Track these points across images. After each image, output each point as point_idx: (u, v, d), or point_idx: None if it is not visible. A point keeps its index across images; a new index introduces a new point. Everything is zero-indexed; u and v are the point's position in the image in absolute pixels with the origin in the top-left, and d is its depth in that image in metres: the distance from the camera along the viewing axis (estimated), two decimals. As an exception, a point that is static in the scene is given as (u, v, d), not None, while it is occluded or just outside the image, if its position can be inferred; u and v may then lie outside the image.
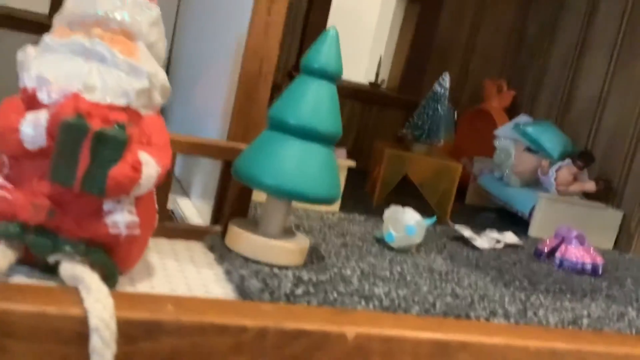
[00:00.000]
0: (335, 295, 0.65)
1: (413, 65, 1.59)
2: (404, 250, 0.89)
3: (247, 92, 0.77)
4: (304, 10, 1.48)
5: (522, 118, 1.31)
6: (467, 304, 0.72)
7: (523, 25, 1.65)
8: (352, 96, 1.57)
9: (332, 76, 0.74)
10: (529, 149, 1.26)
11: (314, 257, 0.77)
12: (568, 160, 1.21)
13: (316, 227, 0.91)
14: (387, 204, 0.94)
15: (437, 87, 1.17)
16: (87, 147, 0.51)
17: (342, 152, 1.05)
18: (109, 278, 0.56)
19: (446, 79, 1.16)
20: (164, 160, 0.56)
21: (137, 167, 0.53)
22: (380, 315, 0.63)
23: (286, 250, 0.71)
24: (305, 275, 0.69)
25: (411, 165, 1.17)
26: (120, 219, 0.55)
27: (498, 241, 1.06)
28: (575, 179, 1.23)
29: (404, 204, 1.18)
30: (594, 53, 1.42)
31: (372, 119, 1.60)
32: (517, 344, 0.65)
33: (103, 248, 0.55)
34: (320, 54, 0.74)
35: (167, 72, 1.33)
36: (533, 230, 1.19)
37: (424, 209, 1.18)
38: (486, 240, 1.05)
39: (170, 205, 0.92)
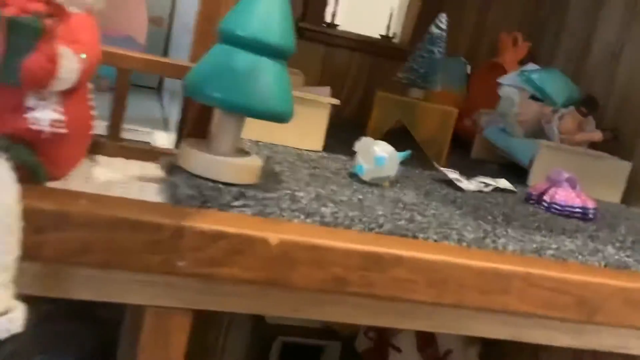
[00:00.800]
0: (276, 209, 0.64)
1: (425, 19, 1.53)
2: (376, 184, 0.87)
3: (206, 12, 0.76)
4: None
5: (529, 66, 1.26)
6: (420, 227, 0.70)
7: (543, -25, 1.58)
8: (362, 49, 1.54)
9: None
10: (533, 97, 1.21)
11: (271, 180, 0.76)
12: (571, 107, 1.15)
13: (288, 160, 0.90)
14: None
15: (433, 29, 1.13)
16: (1, 35, 0.51)
17: (326, 90, 1.03)
18: (33, 176, 0.56)
19: (443, 20, 1.12)
20: (90, 57, 0.56)
21: (53, 59, 0.53)
22: (310, 226, 0.62)
23: (234, 167, 0.70)
24: (250, 192, 0.68)
25: (405, 111, 1.14)
26: (43, 115, 0.55)
27: (487, 185, 1.02)
28: (581, 128, 1.17)
29: (398, 150, 1.16)
30: (612, 5, 1.35)
31: (383, 73, 1.56)
32: (460, 262, 0.62)
33: (25, 145, 0.56)
34: None
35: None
36: (532, 180, 1.14)
37: (420, 158, 1.15)
38: (474, 183, 1.01)
39: (146, 138, 0.93)
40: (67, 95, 0.57)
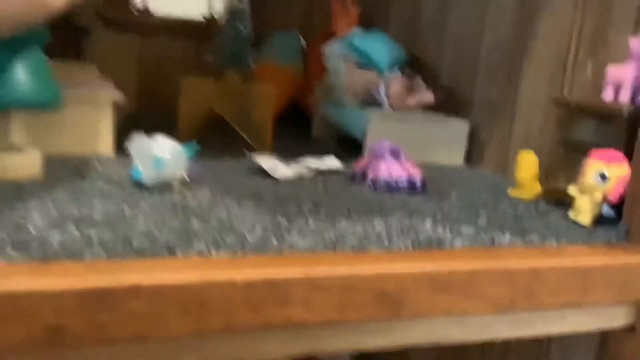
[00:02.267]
0: (-24, 248, 0.49)
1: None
2: (161, 188, 0.73)
3: None
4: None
5: (353, 31, 1.16)
6: (187, 238, 0.57)
7: None
8: (184, 34, 1.39)
9: None
10: (359, 65, 1.11)
11: (3, 205, 0.60)
12: (396, 71, 1.06)
13: (54, 172, 0.75)
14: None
15: (235, 4, 1.00)
16: None
17: (108, 85, 0.88)
18: None
19: (242, -8, 1.00)
20: None
21: None
22: (10, 267, 0.47)
23: (10, 162, 0.68)
24: (-44, 229, 0.53)
25: (215, 96, 1.01)
26: None
27: (308, 169, 0.91)
28: (412, 91, 1.08)
29: (218, 144, 1.03)
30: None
31: (200, 56, 1.42)
32: (220, 278, 0.50)
33: None
34: None
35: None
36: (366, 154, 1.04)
37: (247, 147, 1.03)
38: (295, 168, 0.90)
39: None
40: None
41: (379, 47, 1.08)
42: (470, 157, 1.11)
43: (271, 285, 0.51)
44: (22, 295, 0.44)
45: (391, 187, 0.84)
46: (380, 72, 1.07)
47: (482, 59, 1.11)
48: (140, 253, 0.53)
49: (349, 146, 1.17)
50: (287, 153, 1.05)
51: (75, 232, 0.55)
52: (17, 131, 0.73)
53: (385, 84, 1.05)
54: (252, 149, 1.02)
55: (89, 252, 0.51)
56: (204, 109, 1.02)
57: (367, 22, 1.43)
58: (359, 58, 1.10)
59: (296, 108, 1.44)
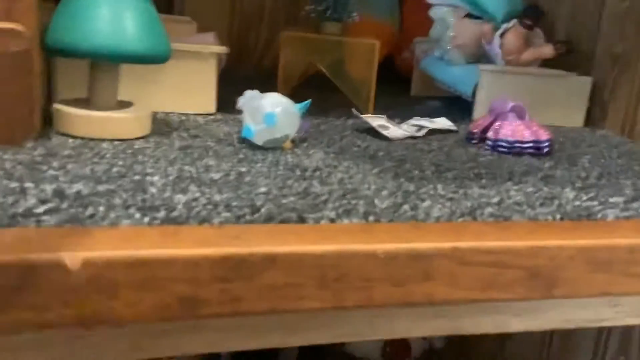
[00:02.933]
0: (100, 209, 0.46)
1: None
2: (273, 148, 0.69)
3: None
4: None
5: (462, -21, 1.06)
6: (314, 204, 0.52)
7: None
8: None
9: None
10: (470, 15, 1.02)
11: (118, 164, 0.57)
12: (514, 21, 0.97)
13: (163, 131, 0.71)
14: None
15: (338, -52, 0.93)
16: None
17: (210, 36, 0.84)
18: None
19: None
20: None
21: None
22: (139, 230, 0.44)
23: (121, 120, 0.65)
24: (76, 187, 0.50)
25: (316, 50, 0.95)
26: None
27: (421, 128, 0.85)
28: (528, 44, 0.99)
29: (322, 102, 0.97)
30: None
31: (298, 10, 1.36)
32: (359, 248, 0.45)
33: None
34: None
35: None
36: (478, 113, 0.97)
37: (349, 105, 0.97)
38: (405, 128, 0.83)
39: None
40: None
41: (493, -4, 0.99)
42: (591, 117, 1.02)
43: (414, 258, 0.46)
44: (155, 262, 0.40)
45: (515, 150, 0.77)
46: (495, 22, 0.98)
47: (606, 7, 1.00)
48: (269, 218, 0.48)
49: (454, 105, 1.09)
50: (388, 112, 0.98)
51: (198, 194, 0.51)
52: (125, 87, 0.69)
53: (501, 35, 0.96)
54: (354, 106, 0.96)
55: (217, 216, 0.47)
56: (304, 64, 0.96)
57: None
58: (470, 8, 1.01)
59: (391, 64, 1.36)
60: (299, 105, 0.70)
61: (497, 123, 0.78)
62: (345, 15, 0.96)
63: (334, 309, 0.45)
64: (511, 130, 0.77)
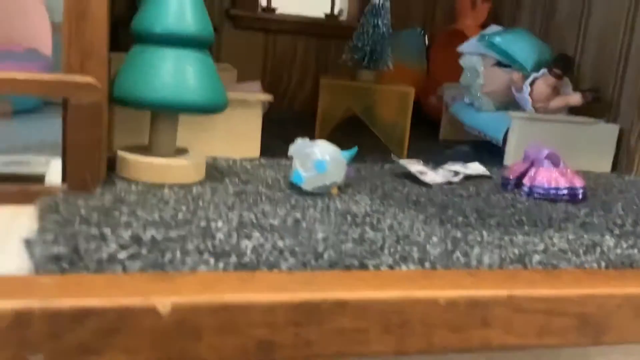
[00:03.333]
0: (177, 255, 0.49)
1: (372, -11, 1.38)
2: (320, 194, 0.72)
3: (77, 8, 0.60)
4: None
5: (491, 28, 1.11)
6: (371, 250, 0.55)
7: None
8: (306, 32, 1.39)
9: None
10: (499, 64, 1.06)
11: (182, 210, 0.60)
12: (543, 70, 1.01)
13: (215, 176, 0.75)
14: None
15: (374, 0, 0.98)
16: None
17: (256, 85, 0.88)
18: None
19: (384, -12, 0.97)
20: None
21: None
22: (218, 276, 0.46)
23: (180, 167, 0.69)
24: (150, 232, 0.53)
25: (354, 97, 0.99)
26: None
27: (457, 174, 0.88)
28: (557, 92, 1.03)
29: (355, 145, 1.01)
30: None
31: (332, 55, 1.41)
32: (421, 295, 0.47)
33: None
34: None
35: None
36: (509, 159, 1.00)
37: (380, 150, 1.00)
38: (441, 174, 0.86)
39: (42, 169, 0.77)
40: None
41: (523, 45, 1.03)
42: (618, 163, 1.05)
43: (473, 305, 0.48)
44: (236, 308, 0.43)
45: (551, 196, 0.80)
46: (524, 71, 1.02)
47: (632, 56, 1.04)
48: (333, 264, 0.51)
49: (482, 149, 1.13)
50: (420, 156, 1.02)
51: (262, 240, 0.54)
52: (182, 135, 0.73)
53: (531, 84, 1.00)
54: (389, 150, 0.99)
55: (284, 262, 0.50)
56: (342, 110, 1.00)
57: (493, 19, 1.37)
58: (499, 57, 1.05)
59: (418, 108, 1.40)
60: (345, 153, 0.73)
61: (533, 170, 0.81)
62: (380, 64, 1.00)
63: (396, 353, 0.48)
64: (547, 177, 0.80)
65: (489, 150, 1.09)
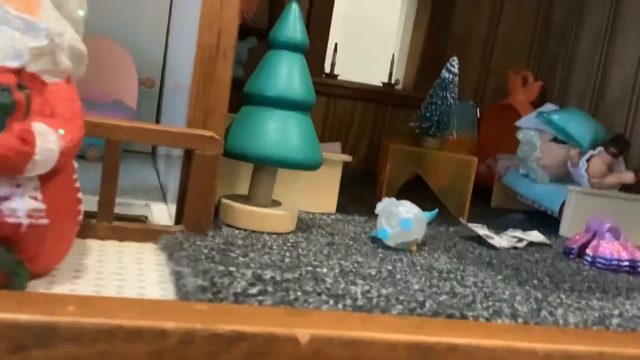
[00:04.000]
0: (299, 294, 0.55)
1: (428, 61, 1.48)
2: (402, 249, 0.77)
3: (204, 70, 0.68)
4: (306, 7, 1.39)
5: (547, 106, 1.18)
6: (465, 303, 0.60)
7: (548, 10, 1.52)
8: (364, 98, 1.47)
9: (299, 47, 0.76)
10: (555, 139, 1.13)
11: (287, 255, 0.66)
12: (600, 148, 1.07)
13: (302, 227, 0.81)
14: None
15: (445, 73, 1.06)
16: (-35, 114, 0.43)
17: (337, 146, 0.95)
18: (13, 277, 0.47)
19: (454, 64, 1.05)
20: (71, 133, 0.47)
21: (27, 139, 0.44)
22: (343, 314, 0.52)
23: (277, 216, 0.75)
24: (268, 274, 0.59)
25: (420, 162, 1.06)
26: (20, 205, 0.46)
27: (520, 240, 0.93)
28: (611, 169, 1.09)
29: (418, 205, 1.06)
30: (625, 34, 1.28)
31: (387, 120, 1.49)
32: (522, 346, 0.52)
33: (1, 241, 0.46)
34: (286, 28, 0.76)
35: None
36: (564, 229, 1.05)
37: (441, 212, 1.06)
38: (505, 239, 0.92)
39: (141, 211, 0.83)
40: (47, 178, 0.48)
41: (579, 124, 1.10)
42: (668, 239, 1.09)
43: (568, 358, 0.53)
44: (361, 343, 0.48)
45: (613, 267, 0.84)
46: (581, 148, 1.08)
47: (682, 140, 1.10)
48: (436, 313, 0.56)
49: (535, 218, 1.18)
50: (478, 221, 1.07)
51: (367, 287, 0.59)
52: (278, 187, 0.79)
53: (587, 161, 1.06)
54: (451, 215, 1.05)
55: (393, 308, 0.55)
56: (408, 173, 1.07)
57: (542, 97, 1.45)
58: (556, 133, 1.12)
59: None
60: (427, 214, 0.79)
61: (596, 241, 0.87)
62: (446, 133, 1.08)
63: (495, 398, 0.52)
64: (609, 248, 0.85)
65: (542, 220, 1.15)
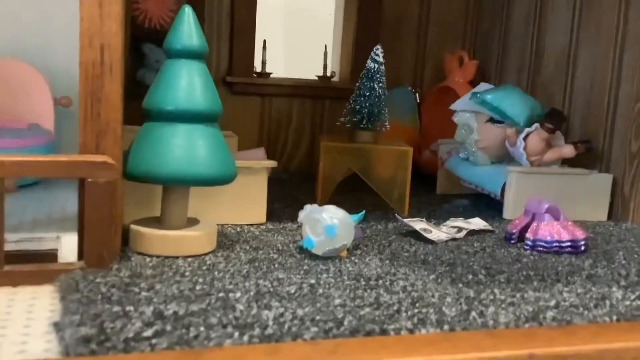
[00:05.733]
0: (201, 329, 0.50)
1: (362, 50, 1.43)
2: (331, 257, 0.73)
3: (91, 89, 0.62)
4: (228, 10, 1.34)
5: (482, 86, 1.15)
6: (388, 314, 0.56)
7: (477, -12, 1.49)
8: (300, 94, 1.42)
9: (198, 53, 0.71)
10: (492, 120, 1.10)
11: (201, 281, 0.61)
12: (536, 125, 1.04)
13: (225, 244, 0.76)
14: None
15: (370, 64, 1.01)
16: None
17: (261, 152, 0.90)
18: None
19: (379, 53, 1.01)
20: None
21: None
22: (244, 349, 0.47)
23: (193, 238, 0.70)
24: (171, 307, 0.54)
25: (355, 157, 1.01)
26: None
27: (460, 230, 0.90)
28: (550, 145, 1.06)
29: (356, 204, 1.02)
30: (556, 7, 1.26)
31: (326, 115, 1.44)
32: (442, 358, 0.48)
33: None
34: (181, 34, 0.70)
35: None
36: (508, 212, 1.02)
37: (382, 207, 1.02)
38: (445, 230, 0.88)
39: (53, 245, 0.77)
40: None
41: (514, 102, 1.07)
42: (614, 211, 1.07)
43: (495, 366, 0.49)
44: (265, 382, 0.44)
45: (554, 249, 0.81)
46: (517, 126, 1.05)
47: (620, 106, 1.08)
48: (354, 331, 0.52)
49: (480, 202, 1.15)
50: (421, 212, 1.04)
51: (282, 309, 0.55)
52: (190, 204, 0.74)
53: (524, 138, 1.03)
54: (390, 207, 1.01)
55: (306, 331, 0.51)
56: (342, 171, 1.02)
57: (481, 76, 1.42)
58: (492, 113, 1.09)
59: (413, 163, 1.43)
60: (354, 217, 0.75)
61: (534, 224, 0.83)
62: (378, 124, 1.03)
63: (422, 417, 0.48)
64: (549, 230, 0.82)
65: (487, 203, 1.12)
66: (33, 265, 0.62)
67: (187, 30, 0.69)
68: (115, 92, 0.63)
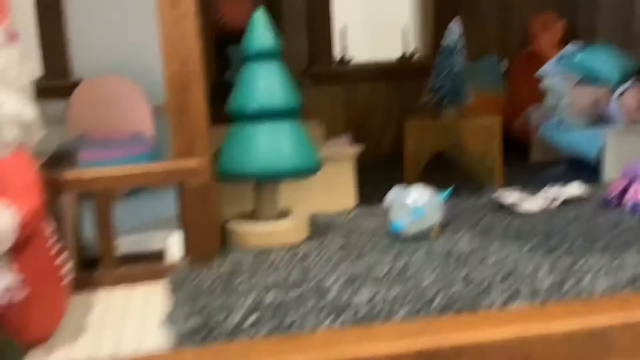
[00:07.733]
0: (297, 316, 0.53)
1: (443, 26, 1.41)
2: (421, 237, 0.74)
3: (177, 99, 0.67)
4: (304, 6, 1.36)
5: (569, 48, 1.10)
6: (479, 291, 0.56)
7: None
8: (383, 77, 1.42)
9: (272, 53, 0.74)
10: (583, 81, 1.05)
11: (295, 270, 0.65)
12: (630, 81, 0.99)
13: (318, 231, 0.79)
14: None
15: (446, 41, 1.01)
16: None
17: (345, 140, 0.92)
18: (4, 355, 0.48)
19: (455, 29, 1.00)
20: (26, 206, 0.47)
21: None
22: (338, 333, 0.49)
23: (287, 228, 0.75)
24: (269, 297, 0.57)
25: (439, 134, 1.01)
26: (-6, 284, 0.47)
27: (554, 199, 0.87)
28: (648, 101, 1.00)
29: (446, 181, 1.02)
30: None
31: (410, 95, 1.43)
32: (536, 332, 0.48)
33: (-17, 322, 0.47)
34: (254, 38, 0.74)
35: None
36: (605, 175, 0.98)
37: (474, 181, 1.01)
38: (538, 201, 0.86)
39: (159, 245, 0.83)
40: (18, 250, 0.48)
41: (606, 61, 1.02)
42: None
43: (591, 336, 0.49)
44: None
45: (657, 211, 0.78)
46: (610, 86, 1.01)
47: None
48: (444, 309, 0.53)
49: (577, 168, 1.11)
50: (515, 182, 1.02)
51: (372, 293, 0.57)
52: (282, 198, 0.78)
53: (618, 97, 0.98)
54: (483, 183, 1.00)
55: (397, 312, 0.53)
56: (429, 149, 1.02)
57: (570, 35, 1.36)
58: (582, 75, 1.04)
59: (505, 133, 1.40)
60: (442, 194, 0.75)
61: (634, 186, 0.80)
62: (460, 98, 1.02)
63: (519, 389, 0.49)
64: (650, 192, 0.78)
65: (585, 168, 1.08)
66: (145, 265, 0.68)
67: (258, 34, 0.73)
68: (200, 102, 0.68)
